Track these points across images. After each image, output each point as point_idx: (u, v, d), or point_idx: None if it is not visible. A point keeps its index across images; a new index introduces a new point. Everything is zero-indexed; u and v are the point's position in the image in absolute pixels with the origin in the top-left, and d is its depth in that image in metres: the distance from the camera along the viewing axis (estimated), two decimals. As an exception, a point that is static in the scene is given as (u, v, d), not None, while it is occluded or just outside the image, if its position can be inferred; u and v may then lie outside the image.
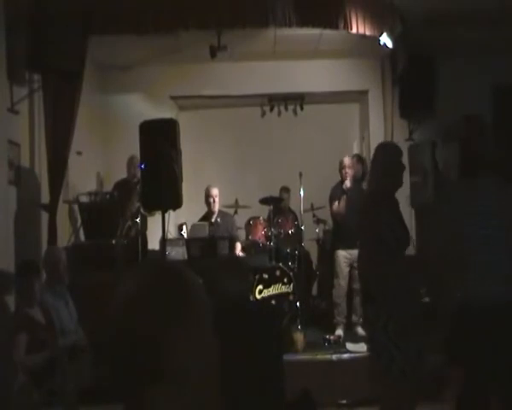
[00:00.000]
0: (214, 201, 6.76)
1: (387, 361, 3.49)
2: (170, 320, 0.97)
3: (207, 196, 6.80)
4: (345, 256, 6.15)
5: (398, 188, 3.77)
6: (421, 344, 3.57)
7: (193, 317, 1.00)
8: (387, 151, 3.86)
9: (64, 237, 6.08)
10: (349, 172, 6.26)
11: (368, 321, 3.77)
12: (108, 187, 7.30)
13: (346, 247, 6.14)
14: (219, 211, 6.85)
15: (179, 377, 0.97)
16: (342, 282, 6.17)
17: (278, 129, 8.70)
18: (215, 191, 6.80)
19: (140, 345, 0.95)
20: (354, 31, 5.99)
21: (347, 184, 6.21)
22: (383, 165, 3.74)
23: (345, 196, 6.16)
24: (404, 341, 3.49)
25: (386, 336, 3.48)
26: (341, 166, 6.32)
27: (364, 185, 6.57)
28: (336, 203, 6.22)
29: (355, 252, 6.19)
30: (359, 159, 6.95)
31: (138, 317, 0.96)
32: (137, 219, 6.31)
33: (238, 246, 6.70)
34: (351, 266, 6.16)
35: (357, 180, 6.44)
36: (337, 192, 6.32)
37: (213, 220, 6.72)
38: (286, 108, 8.34)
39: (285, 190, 7.83)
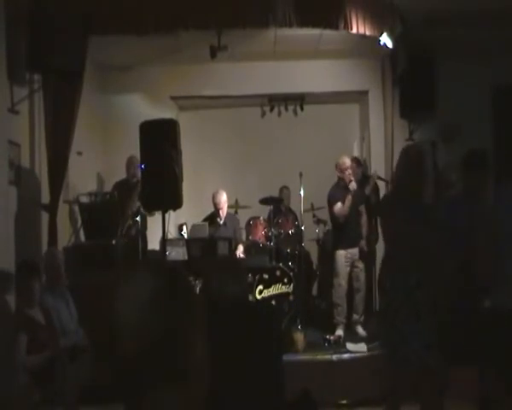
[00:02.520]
0: (221, 209, 6.77)
1: (393, 349, 3.65)
2: (176, 321, 0.97)
3: (215, 203, 6.78)
4: (345, 256, 6.14)
5: (417, 190, 3.88)
6: (429, 337, 3.64)
7: (194, 317, 1.00)
8: (404, 155, 4.04)
9: (64, 238, 6.09)
10: (352, 172, 6.21)
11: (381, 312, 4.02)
12: (108, 187, 7.30)
13: (347, 246, 6.13)
14: (225, 213, 6.86)
15: (181, 376, 0.97)
16: (342, 281, 6.16)
17: (278, 129, 8.69)
18: (223, 200, 6.78)
19: (147, 346, 0.95)
20: (354, 31, 5.99)
21: (354, 185, 6.12)
22: (399, 169, 4.00)
23: (350, 197, 6.09)
24: (411, 332, 3.61)
25: (394, 326, 3.63)
26: (344, 168, 6.20)
27: (367, 190, 6.54)
28: (339, 204, 6.14)
29: (355, 251, 6.22)
30: (358, 162, 6.94)
31: (146, 318, 0.96)
32: (137, 218, 6.31)
33: (240, 248, 6.71)
34: (351, 266, 6.16)
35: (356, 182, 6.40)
36: (339, 193, 6.21)
37: (221, 222, 6.74)
38: (286, 109, 8.34)
39: (284, 188, 7.83)
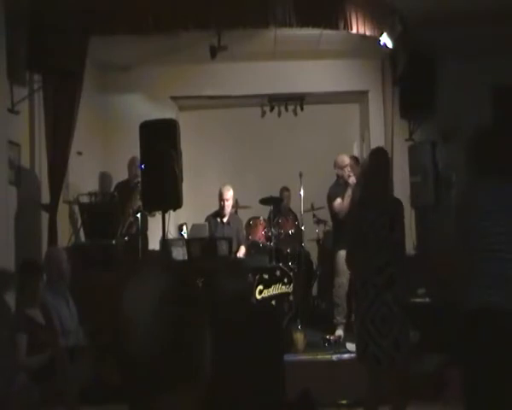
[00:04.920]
0: (227, 201, 6.76)
1: (362, 349, 3.74)
2: (186, 322, 0.97)
3: (221, 197, 6.78)
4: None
5: (375, 192, 4.01)
6: (402, 337, 3.71)
7: (204, 318, 1.00)
8: (368, 158, 4.30)
9: (64, 238, 6.08)
10: (351, 170, 6.22)
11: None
12: (109, 187, 7.31)
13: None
14: (230, 213, 6.87)
15: (189, 377, 0.97)
16: (344, 281, 6.15)
17: (278, 129, 8.70)
18: (229, 194, 6.78)
19: (156, 348, 0.94)
20: (354, 31, 5.99)
21: (353, 180, 6.11)
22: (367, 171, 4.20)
23: (350, 191, 6.09)
24: (381, 331, 3.68)
25: (364, 325, 3.70)
26: (343, 165, 6.22)
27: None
28: (339, 200, 6.15)
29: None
30: (356, 161, 6.94)
31: (156, 319, 0.95)
32: (138, 217, 6.32)
33: (242, 249, 6.71)
34: None
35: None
36: (338, 190, 6.22)
37: (225, 220, 6.76)
38: (286, 109, 8.33)
39: (285, 189, 7.83)
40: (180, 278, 1.02)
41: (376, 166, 4.07)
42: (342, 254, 6.15)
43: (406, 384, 3.89)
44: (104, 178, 7.65)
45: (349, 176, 6.14)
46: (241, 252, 6.69)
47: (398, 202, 4.14)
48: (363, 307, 3.83)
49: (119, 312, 0.98)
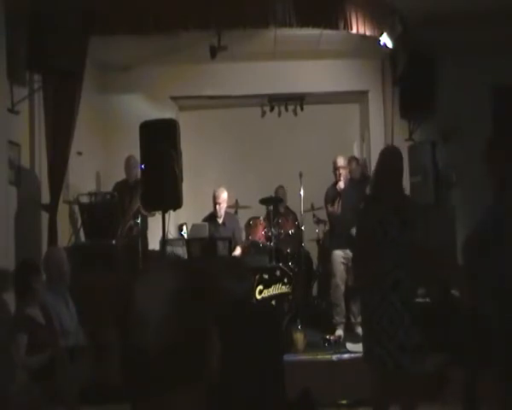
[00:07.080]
0: (221, 204, 6.78)
1: (367, 353, 3.67)
2: (201, 321, 0.97)
3: (214, 199, 6.80)
4: (341, 256, 6.14)
5: (386, 191, 3.86)
6: (406, 341, 3.64)
7: (217, 318, 1.00)
8: (380, 155, 4.12)
9: (64, 238, 6.08)
10: (343, 172, 6.26)
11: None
12: (108, 187, 7.30)
13: (344, 246, 6.13)
14: (225, 213, 6.87)
15: (197, 377, 0.96)
16: (339, 281, 6.16)
17: (278, 129, 8.70)
18: (222, 196, 6.80)
19: (170, 346, 0.94)
20: (354, 31, 6.00)
21: (341, 185, 6.21)
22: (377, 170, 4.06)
23: (339, 199, 6.16)
24: (386, 333, 3.61)
25: (370, 327, 3.64)
26: (335, 166, 6.33)
27: (367, 190, 6.57)
28: (329, 207, 6.27)
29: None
30: (357, 161, 6.96)
31: (170, 317, 0.95)
32: (138, 219, 6.32)
33: (238, 249, 6.71)
34: (347, 266, 6.15)
35: (354, 182, 6.41)
36: (331, 194, 6.33)
37: (220, 221, 6.76)
38: (286, 109, 8.34)
39: (280, 187, 7.83)
40: (186, 277, 1.02)
41: (388, 164, 3.96)
42: (337, 253, 6.18)
43: (416, 384, 3.81)
44: (102, 178, 7.65)
45: (338, 180, 6.21)
46: (237, 252, 6.68)
47: (410, 201, 4.10)
48: (369, 310, 3.74)
49: (122, 311, 0.97)
